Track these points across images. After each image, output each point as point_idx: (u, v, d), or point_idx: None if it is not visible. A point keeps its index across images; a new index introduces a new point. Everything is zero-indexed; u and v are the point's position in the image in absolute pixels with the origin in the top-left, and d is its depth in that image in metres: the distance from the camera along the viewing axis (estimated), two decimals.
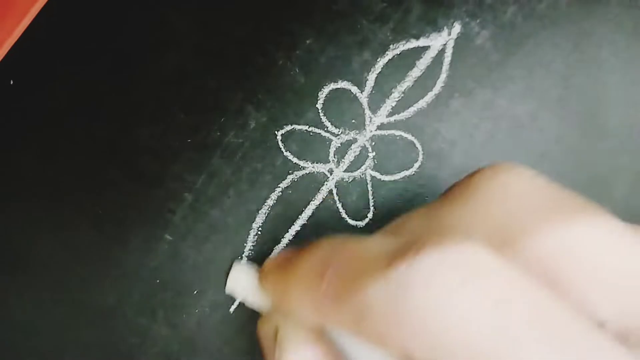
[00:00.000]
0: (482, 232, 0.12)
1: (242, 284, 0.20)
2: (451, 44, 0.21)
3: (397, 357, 0.11)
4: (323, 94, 0.21)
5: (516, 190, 0.13)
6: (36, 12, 0.21)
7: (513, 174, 0.13)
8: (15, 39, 0.21)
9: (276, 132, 0.21)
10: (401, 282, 0.11)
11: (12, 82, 0.21)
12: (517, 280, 0.11)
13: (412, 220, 0.16)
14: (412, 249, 0.11)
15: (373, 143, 0.21)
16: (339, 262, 0.13)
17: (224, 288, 0.21)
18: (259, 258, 0.21)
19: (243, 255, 0.21)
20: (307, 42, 0.21)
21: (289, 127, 0.21)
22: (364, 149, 0.21)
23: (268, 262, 0.19)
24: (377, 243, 0.13)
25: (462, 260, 0.11)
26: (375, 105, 0.21)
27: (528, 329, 0.10)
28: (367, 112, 0.21)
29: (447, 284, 0.10)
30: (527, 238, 0.12)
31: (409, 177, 0.21)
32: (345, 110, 0.21)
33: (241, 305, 0.21)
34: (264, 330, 0.18)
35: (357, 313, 0.12)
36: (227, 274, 0.21)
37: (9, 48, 0.21)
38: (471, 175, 0.14)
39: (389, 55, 0.21)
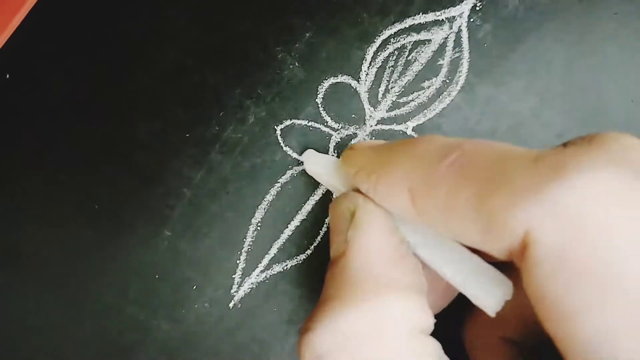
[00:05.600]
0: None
1: (320, 162, 0.20)
2: (452, 37, 0.21)
3: (499, 246, 0.12)
4: (323, 89, 0.21)
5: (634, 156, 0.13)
6: (31, 6, 0.20)
7: (632, 141, 0.14)
8: (11, 32, 0.20)
9: (275, 126, 0.21)
10: (552, 171, 0.12)
11: (7, 76, 0.21)
12: None
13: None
14: (569, 166, 0.12)
15: (373, 138, 0.21)
16: (471, 150, 0.13)
17: (222, 282, 0.21)
18: (258, 254, 0.21)
19: (243, 251, 0.21)
20: (307, 35, 0.20)
21: (288, 122, 0.21)
22: None
23: (359, 143, 0.19)
24: (515, 148, 0.13)
25: (623, 180, 0.11)
26: (375, 99, 0.21)
27: None
28: (367, 106, 0.21)
29: (603, 193, 0.11)
30: None
31: None
32: (345, 105, 0.21)
33: (240, 300, 0.21)
34: (338, 208, 0.17)
35: (488, 189, 0.12)
36: (223, 267, 0.21)
37: (5, 41, 0.20)
38: (593, 135, 0.14)
39: (390, 49, 0.21)
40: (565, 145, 0.13)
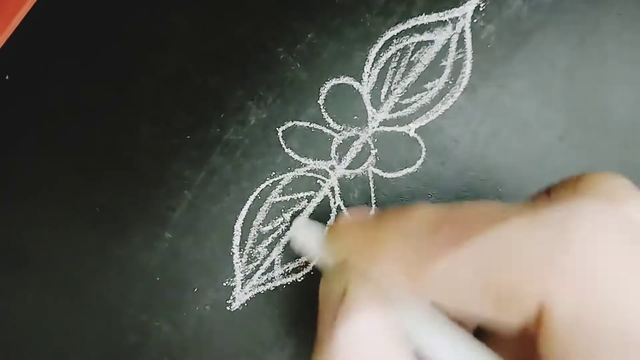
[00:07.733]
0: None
1: (307, 236, 0.18)
2: (455, 38, 0.20)
3: (508, 324, 0.11)
4: (325, 90, 0.21)
5: (624, 196, 0.13)
6: (30, 7, 0.20)
7: (618, 181, 0.13)
8: (11, 33, 0.20)
9: (277, 128, 0.21)
10: (554, 235, 0.11)
11: (7, 78, 0.20)
12: None
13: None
14: (563, 209, 0.11)
15: (375, 140, 0.21)
16: (460, 217, 0.13)
17: (223, 284, 0.21)
18: (260, 256, 0.21)
19: (244, 253, 0.21)
20: (309, 36, 0.20)
21: (289, 124, 0.21)
22: (366, 145, 0.21)
23: (343, 219, 0.18)
24: (508, 207, 0.13)
25: (624, 224, 0.11)
26: (377, 101, 0.21)
27: None
28: (369, 108, 0.21)
29: (609, 245, 0.11)
30: None
31: (411, 174, 0.21)
32: (347, 107, 0.21)
33: (241, 303, 0.21)
34: (328, 288, 0.16)
35: (486, 256, 0.12)
36: (221, 269, 0.21)
37: (4, 42, 0.20)
38: (577, 178, 0.14)
39: (392, 50, 0.20)
40: (548, 192, 0.13)
